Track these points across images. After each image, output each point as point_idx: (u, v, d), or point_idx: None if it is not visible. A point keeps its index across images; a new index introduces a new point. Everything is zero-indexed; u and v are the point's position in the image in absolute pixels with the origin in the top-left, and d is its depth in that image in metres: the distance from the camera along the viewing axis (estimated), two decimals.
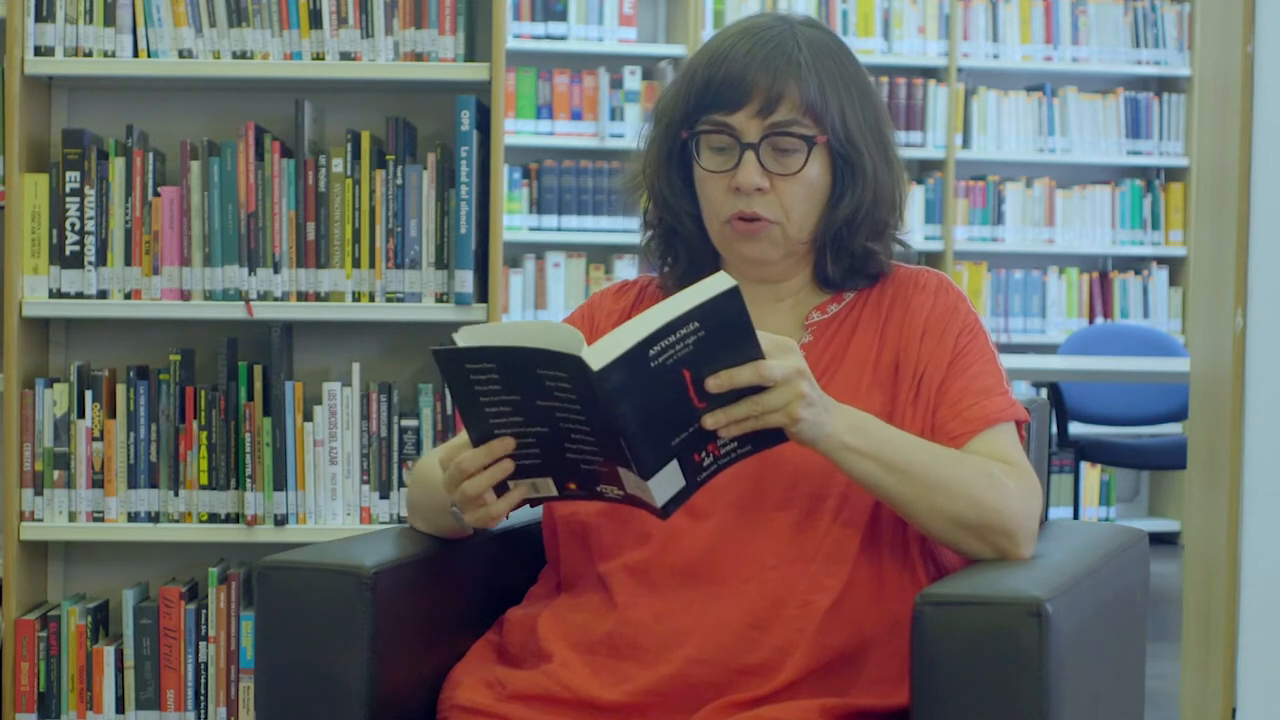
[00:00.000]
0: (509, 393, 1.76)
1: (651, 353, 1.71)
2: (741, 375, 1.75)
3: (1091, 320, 7.02)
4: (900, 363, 2.02)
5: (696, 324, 1.72)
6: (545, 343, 1.71)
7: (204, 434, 3.31)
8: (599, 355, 1.70)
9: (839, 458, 1.86)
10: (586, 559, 2.02)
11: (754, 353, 1.76)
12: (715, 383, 1.75)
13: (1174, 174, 7.15)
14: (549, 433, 1.78)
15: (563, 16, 6.60)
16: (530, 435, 1.79)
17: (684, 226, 2.08)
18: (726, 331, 1.74)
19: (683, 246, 2.09)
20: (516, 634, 2.03)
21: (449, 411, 3.32)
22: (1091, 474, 7.00)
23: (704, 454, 1.80)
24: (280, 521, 3.32)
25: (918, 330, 2.03)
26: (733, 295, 1.72)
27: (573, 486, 1.83)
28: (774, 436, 1.81)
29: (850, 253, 2.05)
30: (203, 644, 3.34)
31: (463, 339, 1.75)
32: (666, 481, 1.78)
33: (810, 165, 1.99)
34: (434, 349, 1.77)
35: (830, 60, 2.01)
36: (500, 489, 1.86)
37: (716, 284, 1.73)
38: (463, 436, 1.89)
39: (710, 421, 1.76)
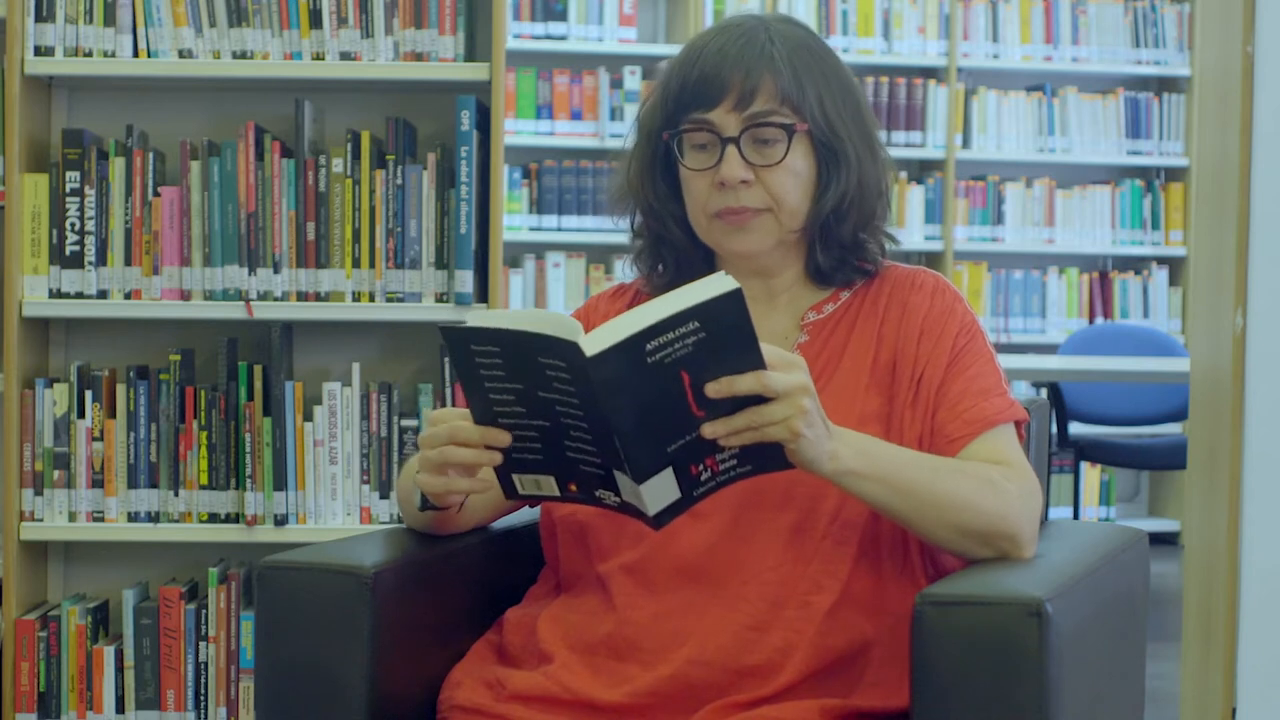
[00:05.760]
0: (512, 380, 1.75)
1: (649, 347, 1.68)
2: (743, 383, 1.72)
3: (1091, 320, 7.02)
4: (898, 364, 2.02)
5: (696, 323, 1.68)
6: (546, 329, 1.70)
7: (204, 434, 3.31)
8: (595, 342, 1.68)
9: (843, 482, 1.85)
10: (585, 559, 2.02)
11: (756, 361, 1.72)
12: (715, 388, 1.71)
13: (1174, 174, 7.15)
14: (550, 427, 1.77)
15: (563, 16, 6.60)
16: (532, 429, 1.78)
17: (670, 233, 2.08)
18: (727, 335, 1.70)
19: (670, 254, 2.09)
20: (516, 634, 2.03)
21: None
22: (1091, 474, 7.00)
23: (702, 467, 1.77)
24: (280, 521, 3.32)
25: (915, 331, 2.03)
26: (734, 298, 1.68)
27: (574, 488, 1.82)
28: (776, 459, 1.78)
29: (840, 242, 2.04)
30: (203, 644, 3.34)
31: (472, 321, 1.74)
32: (660, 490, 1.76)
33: (793, 154, 1.99)
34: (442, 326, 1.76)
35: (805, 53, 2.01)
36: (505, 485, 1.85)
37: (718, 284, 1.69)
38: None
39: (709, 430, 1.73)
